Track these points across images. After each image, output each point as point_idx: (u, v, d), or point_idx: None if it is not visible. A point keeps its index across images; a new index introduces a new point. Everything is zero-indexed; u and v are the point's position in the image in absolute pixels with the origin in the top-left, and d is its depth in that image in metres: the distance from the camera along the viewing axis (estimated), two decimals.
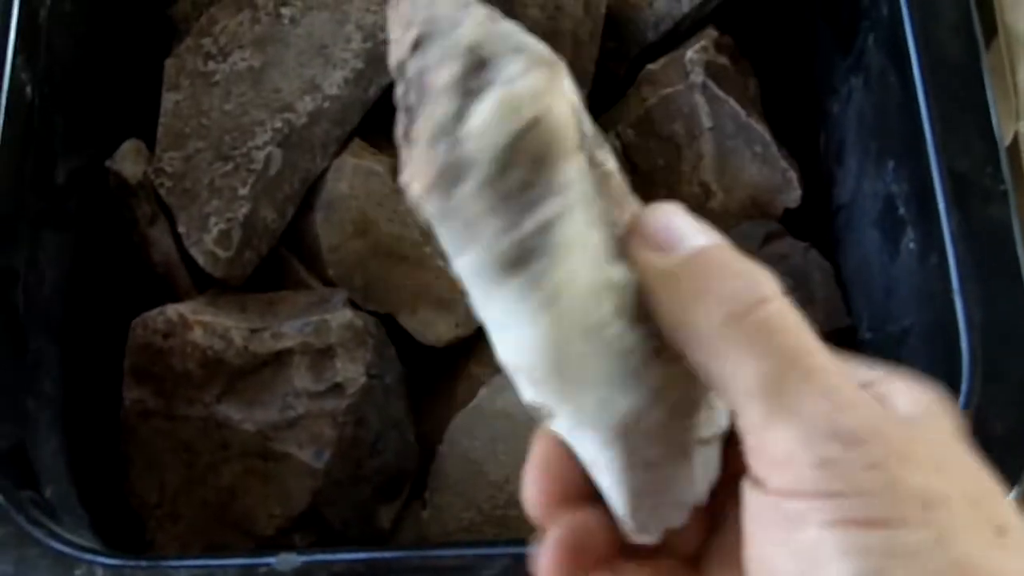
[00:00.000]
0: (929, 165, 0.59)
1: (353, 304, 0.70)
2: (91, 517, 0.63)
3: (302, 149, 0.70)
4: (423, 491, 0.69)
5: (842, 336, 0.68)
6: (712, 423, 0.34)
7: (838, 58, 0.72)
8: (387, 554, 0.54)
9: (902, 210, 0.63)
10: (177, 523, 0.65)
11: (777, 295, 0.31)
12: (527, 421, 0.66)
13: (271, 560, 0.54)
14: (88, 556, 0.55)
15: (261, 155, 0.69)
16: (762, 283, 0.31)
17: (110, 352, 0.67)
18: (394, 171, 0.72)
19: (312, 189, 0.71)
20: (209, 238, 0.68)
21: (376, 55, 0.72)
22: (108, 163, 0.72)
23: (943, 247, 0.58)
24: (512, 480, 0.66)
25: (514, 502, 0.66)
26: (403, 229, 0.71)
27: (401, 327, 0.71)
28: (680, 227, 0.33)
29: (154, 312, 0.66)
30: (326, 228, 0.71)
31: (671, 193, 0.75)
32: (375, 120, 0.73)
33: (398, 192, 0.71)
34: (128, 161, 0.72)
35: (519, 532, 0.65)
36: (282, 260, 0.72)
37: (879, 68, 0.66)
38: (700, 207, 0.75)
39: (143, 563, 0.55)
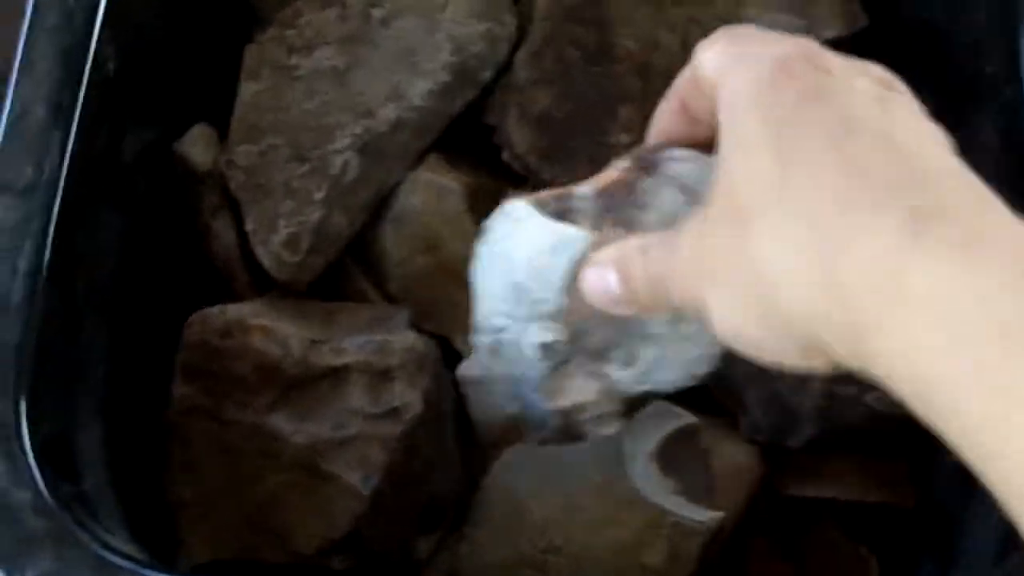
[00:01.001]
0: None
1: (412, 322, 0.68)
2: (125, 512, 0.62)
3: (380, 158, 0.68)
4: (463, 523, 0.67)
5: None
6: None
7: None
8: None
9: None
10: (211, 525, 0.64)
11: None
12: (578, 468, 0.65)
13: None
14: (129, 565, 0.53)
15: (339, 160, 0.67)
16: None
17: (160, 344, 0.66)
18: (468, 190, 0.70)
19: (384, 200, 0.69)
20: (277, 239, 0.66)
21: (464, 70, 0.70)
22: (176, 146, 0.70)
23: None
24: (554, 527, 0.65)
25: (554, 548, 0.65)
26: (470, 251, 0.69)
27: (454, 351, 0.69)
28: None
29: (214, 310, 0.64)
30: (394, 241, 0.69)
31: None
32: (455, 136, 0.71)
33: (470, 212, 0.69)
34: (197, 147, 0.70)
35: None
36: (344, 268, 0.70)
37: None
38: None
39: None
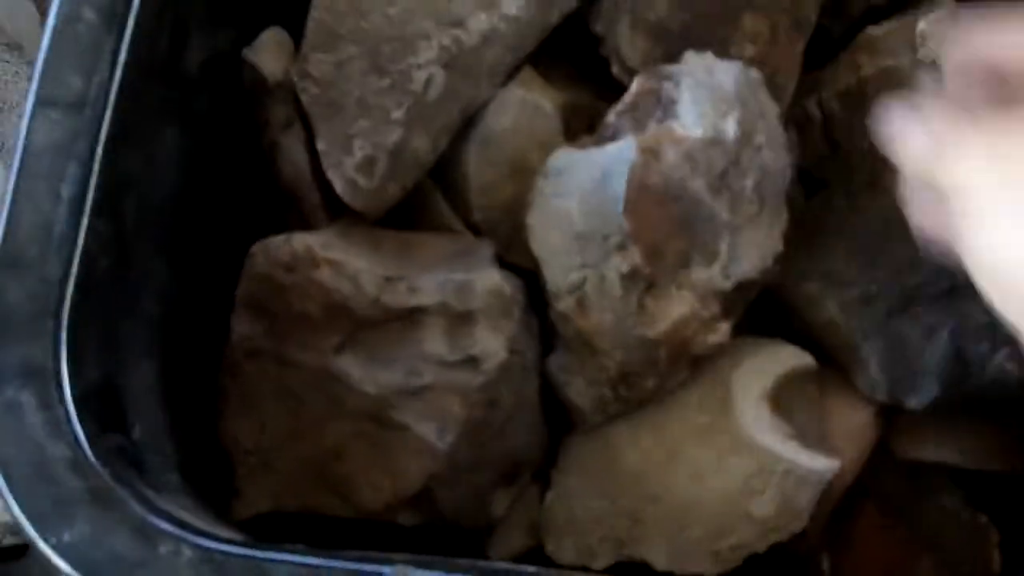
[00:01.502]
0: None
1: (498, 256, 0.62)
2: (180, 457, 0.57)
3: (468, 74, 0.61)
4: (549, 469, 0.62)
5: None
6: None
7: None
8: None
9: None
10: (271, 475, 0.58)
11: None
12: (680, 411, 0.59)
13: (385, 570, 0.47)
14: (175, 531, 0.48)
15: (422, 75, 0.60)
16: None
17: (222, 275, 0.60)
18: (564, 110, 0.63)
19: (470, 120, 0.62)
20: (351, 162, 0.59)
21: None
22: (245, 52, 0.63)
23: None
24: (653, 474, 0.59)
25: (653, 497, 0.59)
26: None
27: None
28: None
29: (279, 239, 0.58)
30: (479, 166, 0.63)
31: (872, 180, 0.66)
32: (553, 44, 0.64)
33: (564, 134, 0.62)
34: (268, 53, 0.63)
35: (651, 537, 0.58)
36: (424, 195, 0.63)
37: None
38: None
39: (235, 550, 0.47)
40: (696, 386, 0.60)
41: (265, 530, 0.59)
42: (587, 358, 0.58)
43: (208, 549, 0.47)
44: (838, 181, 0.66)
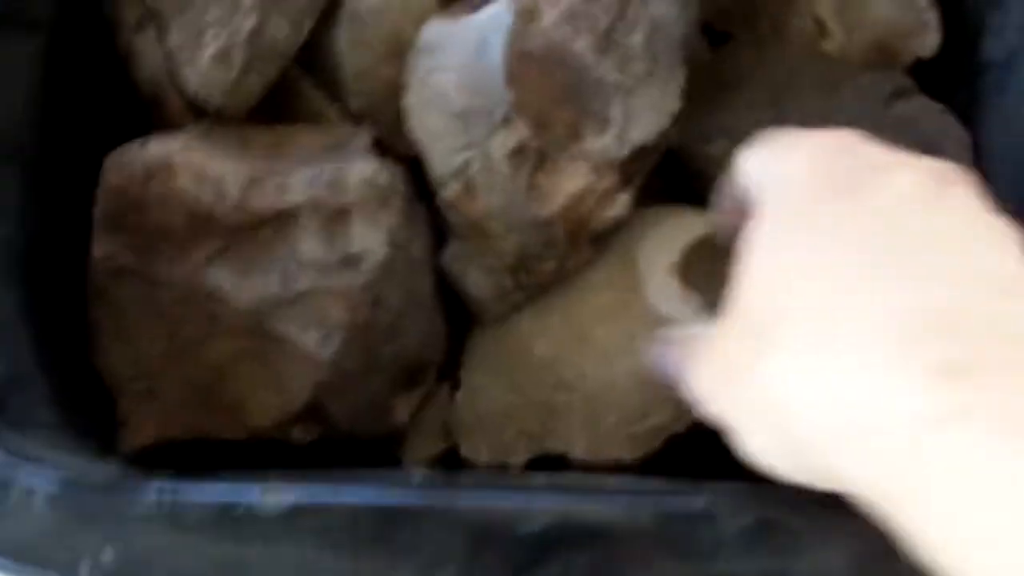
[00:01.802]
0: None
1: (380, 144, 0.57)
2: (53, 392, 0.53)
3: None
4: (455, 370, 0.58)
5: None
6: None
7: None
8: (400, 501, 0.43)
9: None
10: (156, 402, 0.54)
11: None
12: (585, 292, 0.55)
13: (255, 495, 0.43)
14: (30, 471, 0.44)
15: None
16: None
17: (86, 193, 0.55)
18: None
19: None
20: (205, 56, 0.55)
21: None
22: None
23: None
24: (563, 362, 0.55)
25: (565, 385, 0.55)
26: None
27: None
28: None
29: (132, 147, 0.53)
30: (351, 49, 0.58)
31: (777, 28, 0.61)
32: None
33: (442, 6, 0.58)
34: None
35: (567, 426, 0.55)
36: (295, 86, 0.59)
37: None
38: (811, 48, 0.61)
39: (96, 484, 0.44)
40: (601, 264, 0.56)
41: (160, 459, 0.55)
42: (481, 246, 0.54)
43: (66, 486, 0.44)
44: (742, 31, 0.62)
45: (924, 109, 0.58)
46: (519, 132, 0.52)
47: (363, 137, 0.55)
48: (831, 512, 0.42)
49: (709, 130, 0.58)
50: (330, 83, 0.59)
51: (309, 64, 0.59)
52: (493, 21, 0.52)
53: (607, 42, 0.52)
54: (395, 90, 0.58)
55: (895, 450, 0.31)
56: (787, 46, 0.61)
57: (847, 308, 0.33)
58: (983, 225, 0.35)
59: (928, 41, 0.59)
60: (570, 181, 0.53)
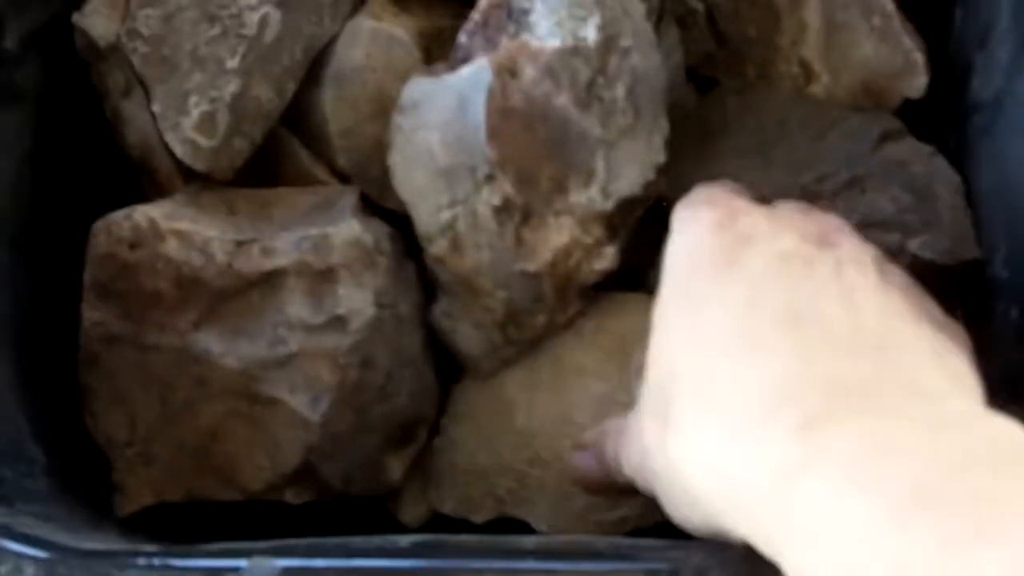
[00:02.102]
0: None
1: (368, 202, 0.57)
2: (48, 461, 0.53)
3: (306, 9, 0.56)
4: (440, 414, 0.58)
5: (969, 271, 0.55)
6: None
7: None
8: (387, 565, 0.43)
9: None
10: (151, 466, 0.54)
11: None
12: (576, 371, 0.55)
13: (242, 564, 0.43)
14: (15, 547, 0.44)
15: (255, 17, 0.55)
16: None
17: (76, 259, 0.55)
18: (421, 37, 0.58)
19: (319, 60, 0.58)
20: (189, 122, 0.55)
21: None
22: (75, 18, 0.58)
23: None
24: (543, 437, 0.55)
25: (540, 461, 0.55)
26: None
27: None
28: None
29: (119, 214, 0.54)
30: (336, 108, 0.58)
31: (763, 72, 0.61)
32: None
33: (423, 64, 0.58)
34: (99, 16, 0.58)
35: (535, 500, 0.55)
36: (284, 146, 0.59)
37: None
38: (798, 91, 0.61)
39: (80, 559, 0.44)
40: (592, 347, 0.56)
41: (156, 523, 0.55)
42: (470, 301, 0.54)
43: (50, 561, 0.43)
44: (727, 77, 0.62)
45: (914, 151, 0.57)
46: (504, 188, 0.52)
47: (350, 196, 0.55)
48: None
49: (696, 178, 0.57)
50: (317, 143, 0.59)
51: (296, 125, 0.59)
52: (473, 78, 0.52)
53: (589, 96, 0.52)
54: (381, 147, 0.58)
55: (763, 503, 0.34)
56: (774, 90, 0.60)
57: (722, 379, 0.36)
58: (840, 287, 0.39)
59: (916, 82, 0.59)
60: (556, 235, 0.53)
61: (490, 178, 0.51)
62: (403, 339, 0.54)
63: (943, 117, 0.59)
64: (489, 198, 0.52)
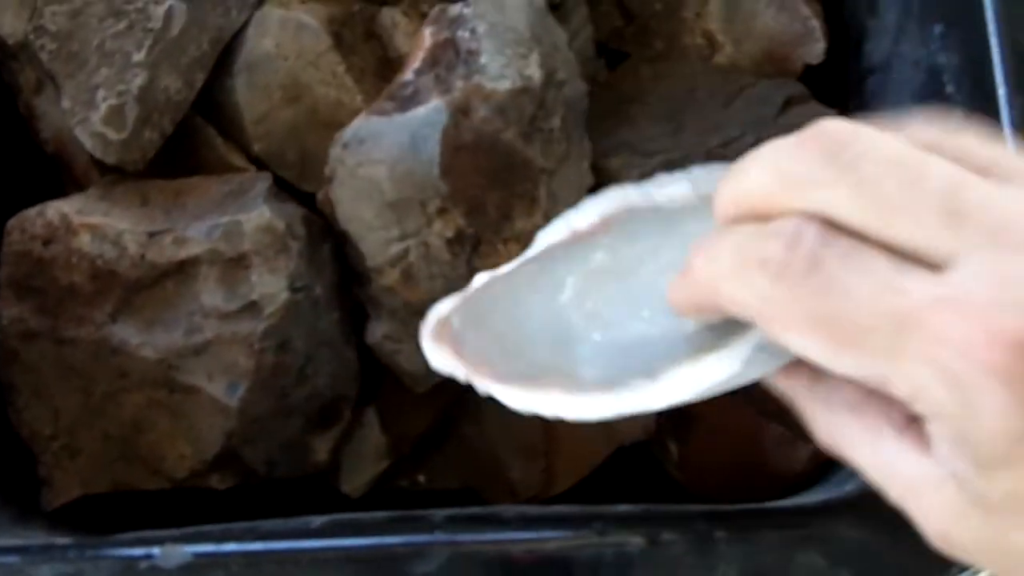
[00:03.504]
0: (987, 34, 0.46)
1: (285, 186, 0.58)
2: None
3: (212, 1, 0.57)
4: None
5: None
6: None
7: None
8: (297, 544, 0.44)
9: (950, 87, 0.49)
10: (77, 458, 0.55)
11: None
12: None
13: (154, 551, 0.44)
14: None
15: (160, 11, 0.56)
16: None
17: None
18: (329, 22, 0.59)
19: (229, 50, 0.58)
20: (97, 116, 0.55)
21: None
22: None
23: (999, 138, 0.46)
24: None
25: None
26: (341, 93, 0.59)
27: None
28: None
29: (33, 211, 0.54)
30: (249, 96, 0.59)
31: (670, 44, 0.62)
32: None
33: (336, 49, 0.58)
34: (8, 13, 0.58)
35: None
36: (198, 135, 0.60)
37: None
38: (704, 61, 0.61)
39: (3, 558, 0.44)
40: None
41: (85, 515, 0.56)
42: (418, 326, 0.55)
43: None
44: (637, 50, 0.63)
45: (817, 115, 0.58)
46: (456, 221, 0.53)
47: (263, 182, 0.56)
48: (721, 527, 0.43)
49: (611, 145, 0.59)
50: (233, 131, 0.59)
51: (211, 114, 0.59)
52: (427, 118, 0.52)
53: (531, 128, 0.53)
54: (296, 132, 0.59)
55: None
56: (682, 62, 0.61)
57: None
58: None
59: (814, 49, 0.60)
60: (505, 262, 0.54)
61: (442, 211, 0.52)
62: (320, 321, 0.54)
63: (842, 81, 0.60)
64: (442, 230, 0.53)
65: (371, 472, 0.60)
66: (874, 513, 0.43)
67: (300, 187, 0.59)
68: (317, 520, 0.45)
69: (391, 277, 0.54)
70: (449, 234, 0.53)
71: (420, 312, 0.53)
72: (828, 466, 0.53)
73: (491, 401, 0.39)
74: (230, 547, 0.43)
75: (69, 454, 0.55)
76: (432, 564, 0.43)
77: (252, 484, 0.56)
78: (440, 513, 0.46)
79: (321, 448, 0.56)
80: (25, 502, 0.55)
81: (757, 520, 0.43)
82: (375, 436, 0.60)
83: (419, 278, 0.54)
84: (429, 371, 0.55)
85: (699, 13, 0.61)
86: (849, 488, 0.45)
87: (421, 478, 0.62)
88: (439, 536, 0.43)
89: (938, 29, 0.50)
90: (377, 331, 0.56)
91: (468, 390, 0.54)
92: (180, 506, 0.56)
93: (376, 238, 0.54)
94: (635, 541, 0.43)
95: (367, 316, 0.57)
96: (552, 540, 0.44)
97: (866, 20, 0.58)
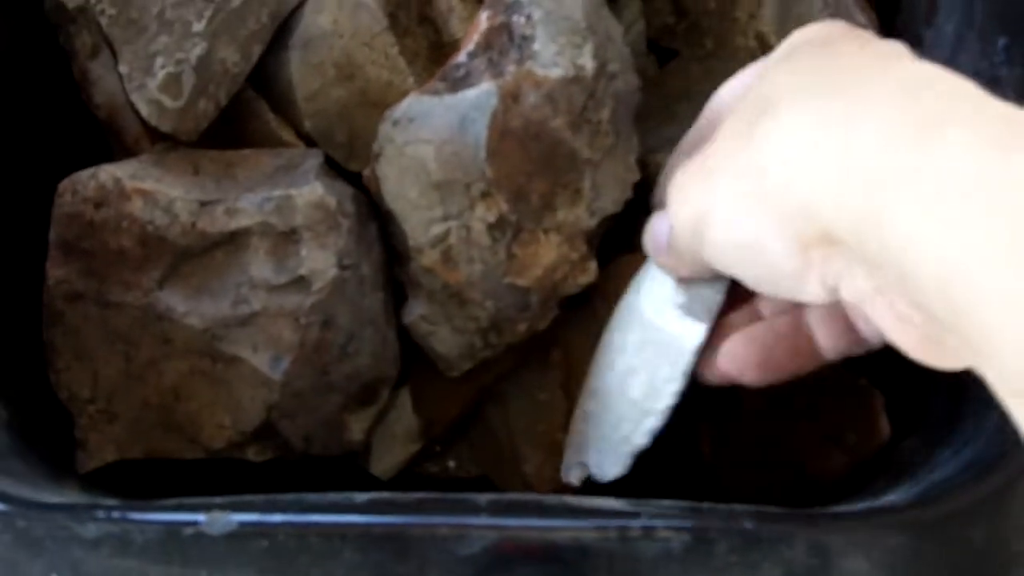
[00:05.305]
0: None
1: (333, 164, 0.58)
2: (11, 415, 0.54)
3: None
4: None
5: None
6: None
7: None
8: (343, 518, 0.44)
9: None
10: (114, 423, 0.55)
11: None
12: None
13: (200, 518, 0.44)
14: None
15: None
16: None
17: (42, 218, 0.56)
18: (386, 3, 0.59)
19: (286, 25, 0.58)
20: (154, 83, 0.55)
21: None
22: None
23: None
24: None
25: None
26: (393, 75, 0.59)
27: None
28: None
29: (85, 174, 0.54)
30: (302, 72, 0.59)
31: (721, 44, 0.62)
32: None
33: (391, 30, 0.59)
34: None
35: None
36: (250, 109, 0.60)
37: None
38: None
39: (39, 512, 0.45)
40: None
41: (118, 480, 0.56)
42: (455, 310, 0.55)
43: (10, 514, 0.44)
44: (688, 48, 0.63)
45: None
46: (499, 206, 0.53)
47: (314, 158, 0.56)
48: (767, 528, 0.43)
49: (657, 142, 0.59)
50: (284, 106, 0.60)
51: (263, 88, 0.59)
52: (477, 101, 0.53)
53: (580, 119, 0.53)
54: (347, 112, 0.59)
55: (897, 168, 0.33)
56: (732, 62, 0.61)
57: (834, 84, 0.38)
58: None
59: None
60: (546, 252, 0.54)
61: (486, 195, 0.53)
62: (365, 300, 0.55)
63: None
64: (484, 214, 0.53)
65: (402, 454, 0.61)
66: (918, 523, 0.43)
67: (347, 166, 0.59)
68: (361, 496, 0.45)
69: (431, 258, 0.54)
70: (491, 219, 0.53)
71: (457, 295, 0.54)
72: (866, 473, 0.53)
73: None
74: (276, 518, 0.43)
75: (107, 418, 0.55)
76: (476, 547, 0.43)
77: (287, 459, 0.56)
78: (483, 497, 0.46)
79: (357, 427, 0.57)
80: (59, 464, 0.55)
81: (803, 523, 0.43)
82: (407, 418, 0.60)
83: (458, 261, 0.54)
84: (461, 355, 0.56)
85: (752, 14, 0.61)
86: (893, 497, 0.46)
87: (451, 464, 0.62)
88: (485, 519, 0.43)
89: (1002, 42, 0.50)
90: (414, 311, 0.56)
91: (500, 378, 0.55)
92: (209, 478, 0.56)
93: (419, 217, 0.54)
94: (680, 537, 0.43)
95: (405, 296, 0.57)
96: (595, 530, 0.44)
97: (922, 30, 0.58)
